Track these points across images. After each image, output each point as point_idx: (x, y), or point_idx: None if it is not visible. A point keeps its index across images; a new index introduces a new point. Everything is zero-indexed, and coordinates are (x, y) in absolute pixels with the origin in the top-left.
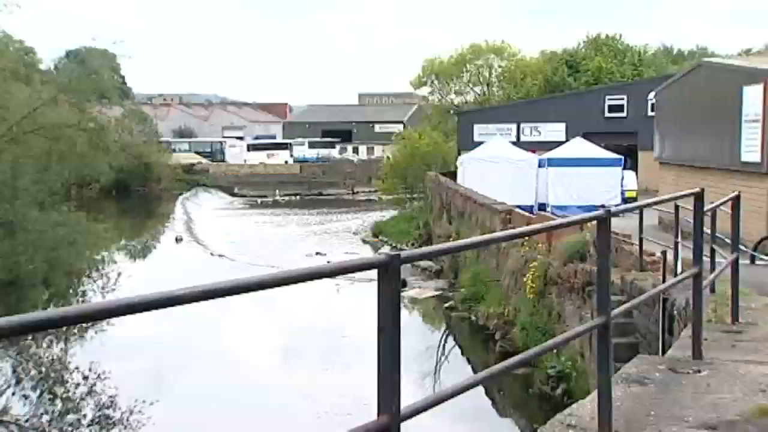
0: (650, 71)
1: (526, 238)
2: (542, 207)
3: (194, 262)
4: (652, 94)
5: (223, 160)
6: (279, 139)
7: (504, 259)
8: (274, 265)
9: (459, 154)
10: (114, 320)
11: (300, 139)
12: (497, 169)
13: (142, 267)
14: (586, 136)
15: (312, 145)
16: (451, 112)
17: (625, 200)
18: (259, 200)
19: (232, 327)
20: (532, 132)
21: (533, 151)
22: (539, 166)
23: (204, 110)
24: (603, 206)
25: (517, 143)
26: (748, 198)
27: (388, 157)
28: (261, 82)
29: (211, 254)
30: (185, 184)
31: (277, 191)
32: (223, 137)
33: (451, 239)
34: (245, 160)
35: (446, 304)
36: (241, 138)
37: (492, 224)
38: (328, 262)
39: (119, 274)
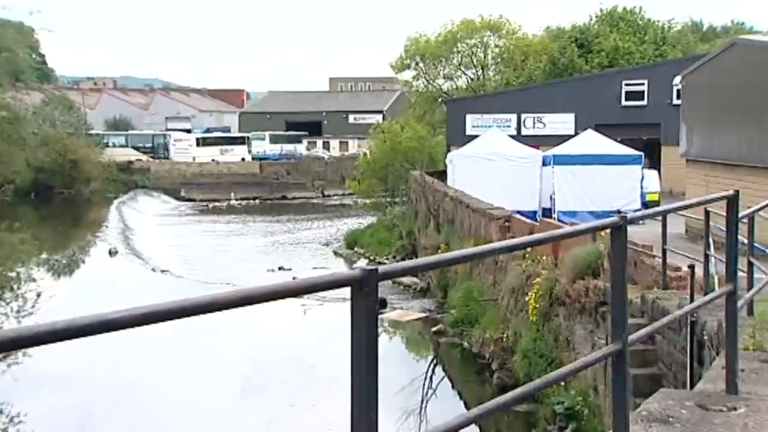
0: (676, 51)
1: (528, 249)
2: (547, 213)
3: (132, 279)
4: (677, 79)
5: (167, 158)
6: (234, 133)
7: (502, 274)
8: (230, 283)
9: (448, 150)
10: (32, 350)
11: (260, 133)
12: (494, 167)
13: (67, 286)
14: (600, 128)
15: (274, 140)
16: (440, 100)
17: (645, 205)
18: (210, 205)
19: (178, 357)
20: (535, 124)
21: (536, 147)
22: (544, 164)
23: (143, 97)
24: (619, 212)
25: (518, 137)
26: None
27: (364, 154)
28: (212, 64)
29: (153, 270)
30: (121, 186)
31: (233, 194)
32: (167, 130)
33: (439, 251)
34: (194, 158)
35: (434, 328)
36: (188, 131)
37: (487, 233)
38: (294, 278)
39: (39, 295)
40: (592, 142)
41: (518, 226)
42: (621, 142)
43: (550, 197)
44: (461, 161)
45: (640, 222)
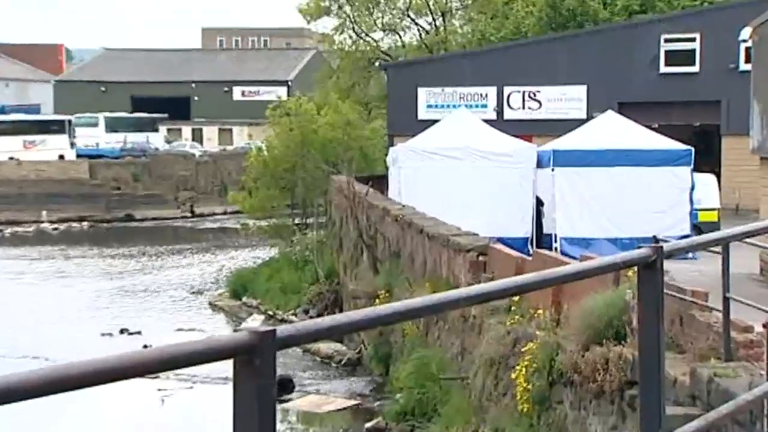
0: None
1: (516, 299)
2: (545, 241)
3: None
4: (746, 31)
5: None
6: (47, 114)
7: (474, 338)
8: (40, 356)
9: (391, 143)
10: None
11: (89, 115)
12: (462, 171)
13: None
14: (625, 109)
15: (113, 126)
16: (377, 64)
17: (697, 228)
18: (6, 231)
19: None
20: (525, 102)
21: (528, 138)
22: (539, 165)
23: None
24: (655, 239)
25: (499, 123)
26: None
27: (258, 149)
28: (11, 6)
29: None
30: None
31: (45, 214)
32: None
33: (376, 301)
34: None
35: (368, 424)
36: None
37: (453, 273)
38: (146, 346)
39: None
40: (614, 130)
41: (500, 261)
42: (658, 130)
43: (549, 217)
44: (411, 161)
45: (689, 255)
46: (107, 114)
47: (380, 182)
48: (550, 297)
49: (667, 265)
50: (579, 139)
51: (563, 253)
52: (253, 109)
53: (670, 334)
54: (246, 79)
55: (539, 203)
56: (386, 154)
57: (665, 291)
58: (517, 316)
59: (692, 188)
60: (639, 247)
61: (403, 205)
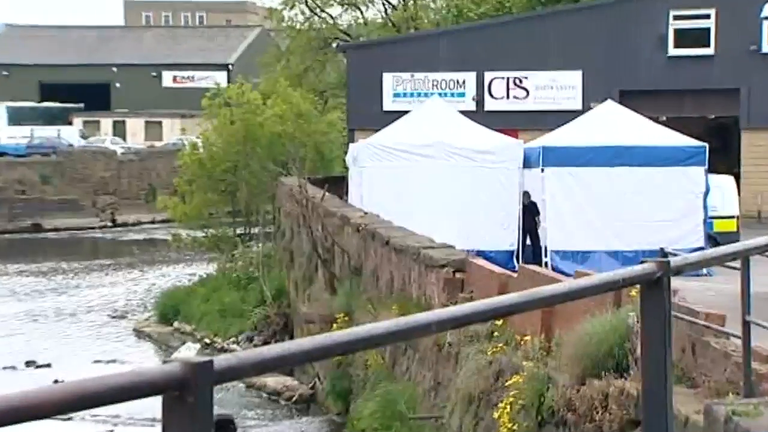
0: None
1: (498, 323)
2: (533, 254)
3: None
4: None
5: None
6: None
7: (449, 369)
8: None
9: (352, 139)
10: None
11: None
12: (435, 171)
13: None
14: (628, 98)
15: (17, 118)
16: (335, 45)
17: (713, 239)
18: None
19: None
20: (510, 90)
21: (513, 133)
22: (526, 164)
23: None
24: (663, 253)
25: (479, 115)
26: None
27: (193, 146)
28: None
29: None
30: None
31: None
32: None
33: (334, 326)
34: None
35: None
36: None
37: (424, 292)
38: (58, 381)
39: None
40: (614, 123)
41: (480, 279)
42: (667, 123)
43: (538, 226)
44: (375, 160)
45: (702, 271)
46: (10, 103)
47: (338, 185)
48: (539, 321)
49: (676, 282)
50: (573, 134)
51: (555, 269)
52: (186, 98)
53: (680, 364)
54: (178, 62)
55: (531, 209)
56: (345, 152)
57: (674, 313)
58: (500, 344)
59: (707, 192)
60: (643, 262)
61: (366, 213)
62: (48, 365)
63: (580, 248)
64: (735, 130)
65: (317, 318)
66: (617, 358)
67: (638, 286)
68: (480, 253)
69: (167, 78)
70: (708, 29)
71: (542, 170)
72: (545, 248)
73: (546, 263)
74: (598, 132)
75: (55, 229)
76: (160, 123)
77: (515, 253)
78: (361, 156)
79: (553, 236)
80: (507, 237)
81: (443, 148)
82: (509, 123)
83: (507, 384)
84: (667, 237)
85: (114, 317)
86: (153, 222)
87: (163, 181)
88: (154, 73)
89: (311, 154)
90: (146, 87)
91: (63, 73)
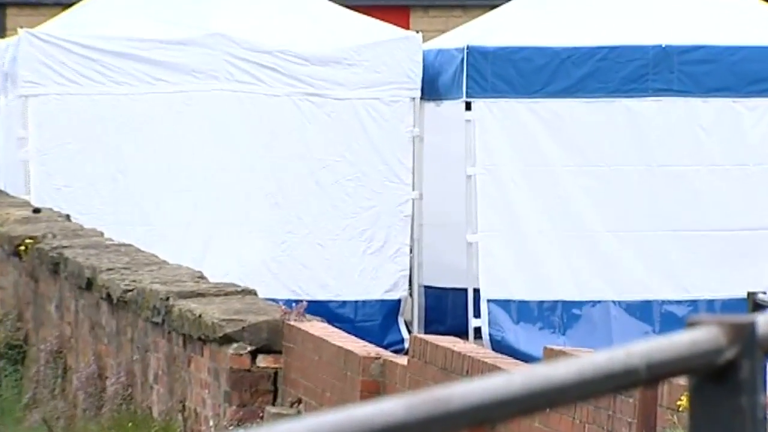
0: None
1: None
2: (459, 299)
3: None
4: None
5: None
6: None
7: None
8: None
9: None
10: None
11: None
12: (209, 111)
13: None
14: None
15: None
16: None
17: None
18: None
19: None
20: None
21: (401, 17)
22: (428, 94)
23: None
24: (755, 302)
25: None
26: None
27: None
28: None
29: None
30: None
31: None
32: None
33: None
34: None
35: None
36: None
37: (182, 402)
38: None
39: None
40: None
41: (313, 368)
42: None
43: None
44: (60, 82)
45: None
46: None
47: None
48: None
49: None
50: (523, 22)
51: (494, 342)
52: None
53: None
54: None
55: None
56: None
57: None
58: None
59: None
60: (692, 324)
61: (38, 208)
62: None
63: (549, 296)
64: None
65: None
66: None
67: (684, 381)
68: (320, 306)
69: None
70: None
71: (467, 107)
72: (474, 297)
73: (477, 329)
74: (576, 22)
75: None
76: None
77: (401, 307)
78: (25, 68)
79: (486, 267)
80: (386, 271)
81: (227, 53)
82: None
83: None
84: (757, 268)
85: None
86: None
87: None
88: None
89: None
90: None
91: None
